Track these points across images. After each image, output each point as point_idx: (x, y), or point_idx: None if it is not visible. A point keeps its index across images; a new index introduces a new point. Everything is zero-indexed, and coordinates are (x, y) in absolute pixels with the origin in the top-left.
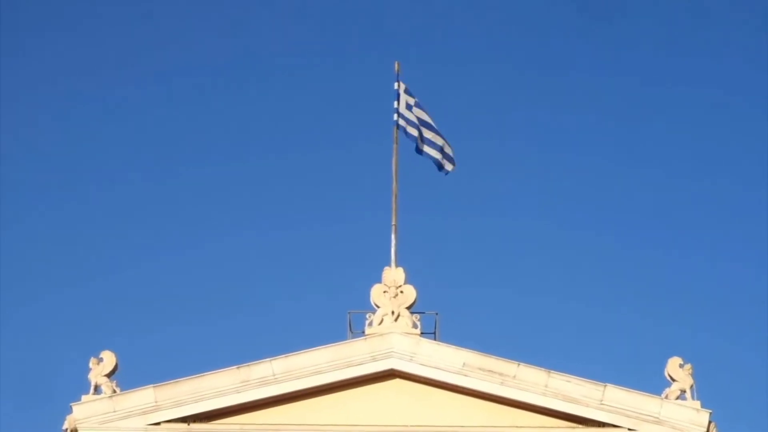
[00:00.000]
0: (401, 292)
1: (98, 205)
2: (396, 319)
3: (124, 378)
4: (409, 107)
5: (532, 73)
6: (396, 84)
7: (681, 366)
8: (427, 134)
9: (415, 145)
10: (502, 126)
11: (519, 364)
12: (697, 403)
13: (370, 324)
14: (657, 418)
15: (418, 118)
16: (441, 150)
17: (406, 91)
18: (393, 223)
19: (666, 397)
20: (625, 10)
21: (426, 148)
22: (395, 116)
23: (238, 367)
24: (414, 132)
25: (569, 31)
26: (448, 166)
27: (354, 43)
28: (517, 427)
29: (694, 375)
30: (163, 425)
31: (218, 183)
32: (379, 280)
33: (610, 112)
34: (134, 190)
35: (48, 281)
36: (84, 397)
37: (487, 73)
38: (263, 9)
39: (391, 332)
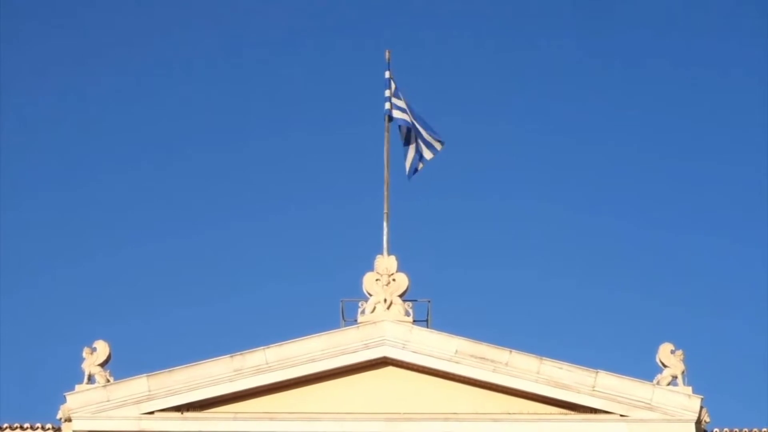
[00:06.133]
0: (393, 279)
1: (89, 195)
2: (388, 307)
3: (118, 367)
4: (396, 95)
5: (525, 58)
6: (387, 72)
7: (672, 352)
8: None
9: (404, 130)
10: (493, 111)
11: (511, 351)
12: (689, 389)
13: (363, 312)
14: (649, 404)
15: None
16: (423, 142)
17: (393, 80)
18: (385, 210)
19: (658, 383)
20: None
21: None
22: (386, 104)
23: (231, 356)
24: (404, 116)
25: (563, 14)
26: (428, 154)
27: (345, 31)
28: (509, 413)
29: (685, 361)
30: (156, 414)
31: (210, 171)
32: (371, 268)
33: (602, 96)
34: (125, 179)
35: (40, 270)
36: (78, 387)
37: (479, 59)
38: None
39: (384, 320)
